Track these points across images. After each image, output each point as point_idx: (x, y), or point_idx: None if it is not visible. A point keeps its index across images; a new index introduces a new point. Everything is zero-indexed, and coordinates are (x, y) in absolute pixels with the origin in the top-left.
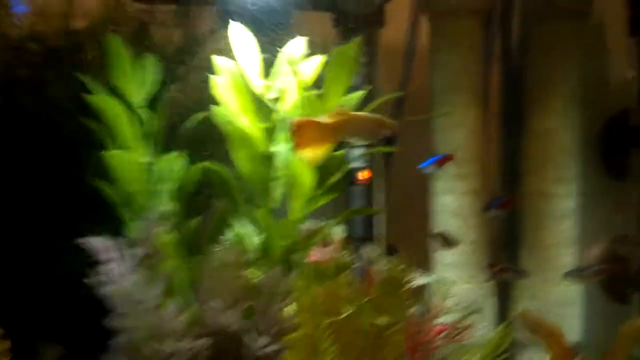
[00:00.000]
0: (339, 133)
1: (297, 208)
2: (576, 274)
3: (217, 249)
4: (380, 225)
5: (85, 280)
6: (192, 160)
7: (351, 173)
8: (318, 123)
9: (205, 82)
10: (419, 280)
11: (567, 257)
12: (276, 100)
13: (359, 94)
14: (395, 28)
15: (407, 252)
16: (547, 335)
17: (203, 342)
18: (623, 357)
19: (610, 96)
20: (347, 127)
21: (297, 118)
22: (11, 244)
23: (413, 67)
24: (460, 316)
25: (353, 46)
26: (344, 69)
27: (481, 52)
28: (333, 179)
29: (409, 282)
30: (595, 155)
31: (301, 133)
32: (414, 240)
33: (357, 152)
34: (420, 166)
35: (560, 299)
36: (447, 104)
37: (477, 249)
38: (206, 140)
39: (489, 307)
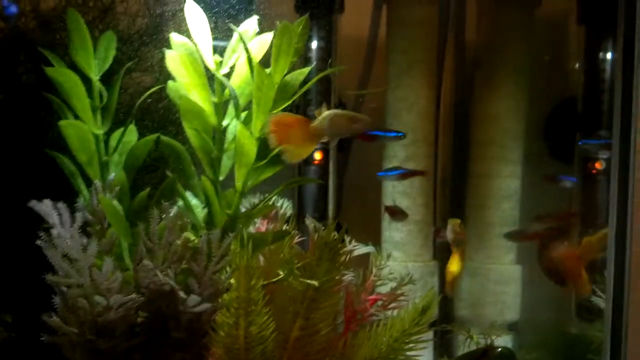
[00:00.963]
0: (320, 134)
1: (240, 178)
2: (511, 235)
3: (158, 214)
4: (336, 207)
5: (33, 243)
6: (147, 133)
7: None
8: (298, 121)
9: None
10: (355, 250)
11: None
12: (228, 75)
13: (306, 70)
14: (354, 14)
15: (357, 231)
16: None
17: (134, 297)
18: (586, 262)
19: (559, 83)
20: (328, 128)
21: (275, 115)
22: None
23: (374, 53)
24: (395, 287)
25: (299, 23)
26: (289, 43)
27: (436, 39)
28: (276, 151)
29: (343, 248)
30: (541, 140)
31: (279, 130)
32: (366, 220)
33: None
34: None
35: (500, 277)
36: (401, 87)
37: (423, 228)
38: (164, 114)
39: (432, 285)
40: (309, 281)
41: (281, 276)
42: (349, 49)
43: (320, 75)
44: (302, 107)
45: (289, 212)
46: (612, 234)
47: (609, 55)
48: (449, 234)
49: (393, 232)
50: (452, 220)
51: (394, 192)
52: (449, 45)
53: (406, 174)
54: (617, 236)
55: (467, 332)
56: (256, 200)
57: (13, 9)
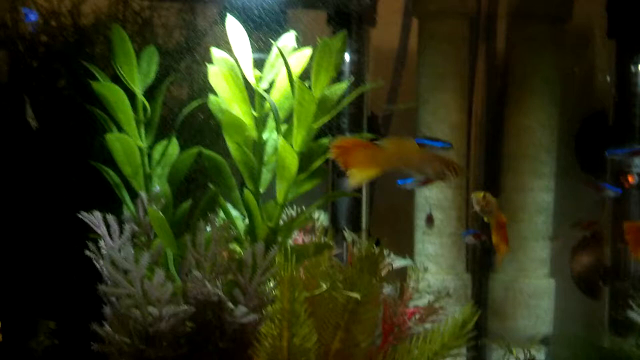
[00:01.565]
0: (391, 162)
1: (282, 191)
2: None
3: (204, 226)
4: (369, 219)
5: (83, 253)
6: (189, 146)
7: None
8: (369, 147)
9: (204, 74)
10: (394, 262)
11: (541, 250)
12: (268, 90)
13: (344, 84)
14: (385, 28)
15: (390, 244)
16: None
17: (186, 308)
18: None
19: (589, 96)
20: (402, 159)
21: (346, 138)
22: (14, 221)
23: (404, 66)
24: (432, 300)
25: (338, 39)
26: (329, 60)
27: (466, 53)
28: (316, 165)
29: (383, 261)
30: (573, 153)
31: (349, 153)
32: (399, 232)
33: None
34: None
35: (534, 290)
36: (432, 101)
37: (457, 241)
38: (204, 127)
39: (466, 297)
40: (350, 293)
41: (324, 288)
42: (380, 61)
43: (358, 90)
44: (335, 118)
45: (325, 223)
46: None
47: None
48: (476, 207)
49: (427, 245)
50: (475, 194)
51: (427, 205)
52: (480, 58)
53: (426, 181)
54: None
55: (506, 346)
56: (293, 212)
57: (33, 16)
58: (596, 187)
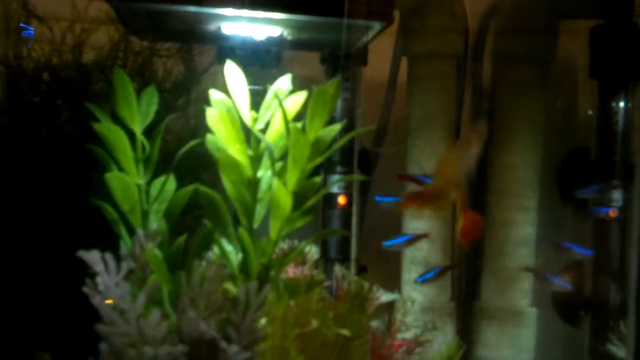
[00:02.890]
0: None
1: (275, 229)
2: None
3: (199, 263)
4: (358, 248)
5: (80, 290)
6: (185, 183)
7: (331, 198)
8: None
9: (201, 113)
10: (383, 297)
11: (525, 280)
12: (264, 129)
13: (337, 126)
14: (377, 66)
15: (378, 272)
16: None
17: (180, 348)
18: None
19: (572, 134)
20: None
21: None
22: (15, 254)
23: (393, 104)
24: (419, 332)
25: (332, 85)
26: (324, 105)
27: (453, 93)
28: (309, 203)
29: (373, 298)
30: (556, 189)
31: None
32: (386, 262)
33: (336, 177)
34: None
35: (517, 320)
36: (421, 138)
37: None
38: (200, 165)
39: (451, 327)
40: (341, 331)
41: (314, 325)
42: (371, 97)
43: (350, 135)
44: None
45: (316, 256)
46: (635, 281)
47: (620, 107)
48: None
49: (413, 274)
50: None
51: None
52: (466, 98)
53: (412, 239)
54: (638, 283)
55: None
56: (285, 246)
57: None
58: (586, 214)
